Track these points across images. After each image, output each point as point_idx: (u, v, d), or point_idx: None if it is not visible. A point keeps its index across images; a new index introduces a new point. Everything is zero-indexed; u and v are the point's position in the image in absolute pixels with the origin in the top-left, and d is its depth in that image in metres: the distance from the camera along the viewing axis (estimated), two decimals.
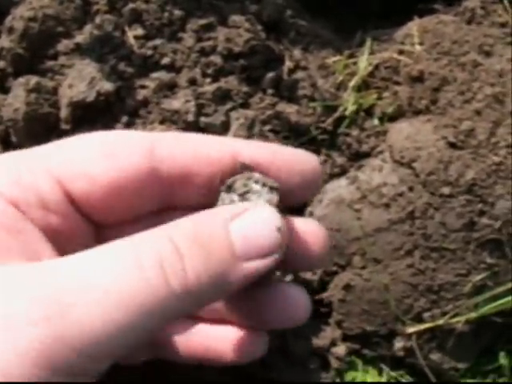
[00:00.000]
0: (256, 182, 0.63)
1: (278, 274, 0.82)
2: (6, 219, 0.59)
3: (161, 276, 0.53)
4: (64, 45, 1.12)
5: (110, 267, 0.53)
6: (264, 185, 0.63)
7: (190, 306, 0.55)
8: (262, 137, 1.06)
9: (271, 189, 0.63)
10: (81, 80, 1.06)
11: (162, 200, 0.66)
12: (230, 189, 0.64)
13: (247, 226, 0.57)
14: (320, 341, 1.06)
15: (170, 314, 0.54)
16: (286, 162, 0.67)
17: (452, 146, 1.01)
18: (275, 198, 0.63)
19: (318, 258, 0.69)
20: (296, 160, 0.68)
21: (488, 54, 1.10)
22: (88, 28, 1.13)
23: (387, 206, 1.02)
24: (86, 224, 0.65)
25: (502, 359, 1.08)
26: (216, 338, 0.72)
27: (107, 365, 0.54)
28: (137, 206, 0.65)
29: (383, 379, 1.07)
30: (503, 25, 1.15)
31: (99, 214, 0.64)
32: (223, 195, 0.64)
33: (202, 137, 0.70)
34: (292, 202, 0.69)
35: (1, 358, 0.49)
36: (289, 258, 0.65)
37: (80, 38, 1.12)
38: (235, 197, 0.63)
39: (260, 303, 0.70)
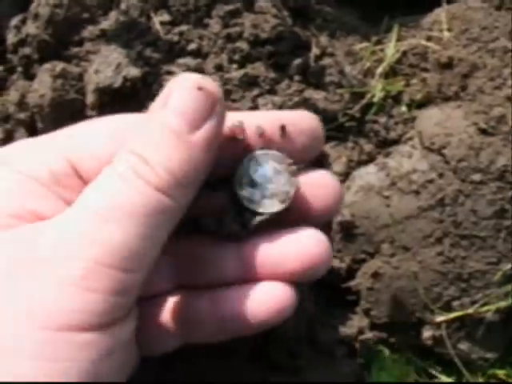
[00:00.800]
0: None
1: None
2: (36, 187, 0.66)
3: (136, 175, 0.60)
4: (89, 31, 1.12)
5: (105, 190, 0.61)
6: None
7: (177, 196, 0.60)
8: None
9: (292, 172, 0.68)
10: (107, 66, 1.06)
11: None
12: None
13: (173, 104, 0.62)
14: (347, 329, 1.05)
15: (165, 209, 0.60)
16: (298, 131, 0.70)
17: (483, 132, 1.00)
18: (295, 180, 0.68)
19: (328, 207, 0.72)
20: (298, 120, 0.70)
21: None
22: (113, 14, 1.12)
23: (417, 192, 1.01)
24: None
25: None
26: (243, 298, 0.71)
27: (141, 276, 0.61)
28: None
29: (411, 368, 1.06)
30: None
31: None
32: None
33: None
34: (301, 161, 0.72)
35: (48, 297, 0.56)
36: (300, 208, 0.71)
37: (105, 24, 1.11)
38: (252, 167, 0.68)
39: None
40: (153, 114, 0.63)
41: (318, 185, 0.71)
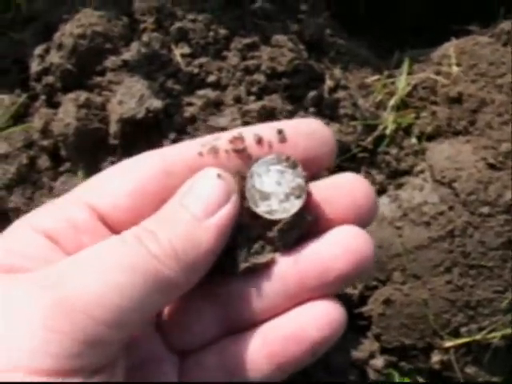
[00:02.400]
0: (273, 163, 0.66)
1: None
2: (36, 250, 0.65)
3: (138, 241, 0.60)
4: (111, 61, 1.16)
5: (100, 248, 0.61)
6: (283, 162, 0.66)
7: (176, 271, 0.60)
8: None
9: (292, 164, 0.66)
10: (130, 97, 1.09)
11: None
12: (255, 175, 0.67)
13: (195, 191, 0.63)
14: (359, 353, 1.10)
15: (159, 278, 0.59)
16: (298, 134, 0.68)
17: (491, 166, 1.04)
18: (299, 170, 0.65)
19: (358, 212, 0.68)
20: (297, 124, 0.69)
21: None
22: (135, 45, 1.16)
23: (428, 224, 1.05)
24: None
25: None
26: (295, 325, 0.68)
27: (122, 333, 0.59)
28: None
29: None
30: None
31: (128, 226, 0.66)
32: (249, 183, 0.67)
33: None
34: (318, 169, 0.69)
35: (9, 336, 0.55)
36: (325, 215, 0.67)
37: (127, 55, 1.15)
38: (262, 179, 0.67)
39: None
40: (174, 197, 0.64)
41: (344, 185, 0.67)
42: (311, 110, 1.15)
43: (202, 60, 1.15)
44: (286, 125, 0.68)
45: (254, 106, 1.12)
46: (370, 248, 0.66)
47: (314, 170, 0.67)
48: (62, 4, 1.22)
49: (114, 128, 1.10)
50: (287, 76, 1.14)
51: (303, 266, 0.67)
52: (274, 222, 0.67)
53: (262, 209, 0.66)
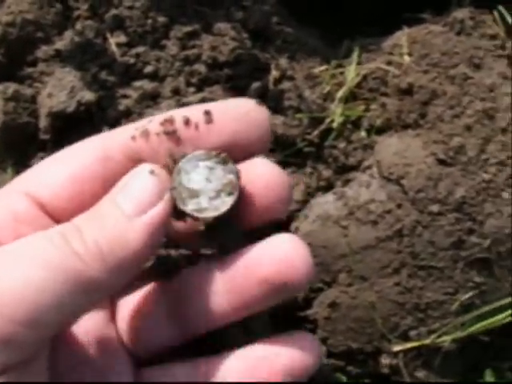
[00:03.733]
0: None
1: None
2: None
3: (63, 239, 0.58)
4: (43, 51, 1.09)
5: (23, 244, 0.59)
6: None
7: (100, 271, 0.58)
8: None
9: (222, 160, 0.64)
10: (61, 89, 1.03)
11: None
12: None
13: (128, 188, 0.61)
14: None
15: (81, 278, 0.57)
16: (226, 115, 0.66)
17: (441, 162, 0.99)
18: (230, 166, 0.64)
19: (275, 204, 0.67)
20: (227, 105, 0.67)
21: (478, 67, 1.08)
22: (68, 34, 1.09)
23: (375, 223, 1.00)
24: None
25: (488, 377, 1.07)
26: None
27: (39, 332, 0.57)
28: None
29: None
30: (493, 37, 1.13)
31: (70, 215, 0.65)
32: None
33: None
34: (248, 155, 0.67)
35: None
36: (246, 208, 0.67)
37: (60, 44, 1.09)
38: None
39: None
40: (109, 193, 0.63)
41: (262, 177, 0.66)
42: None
43: (139, 49, 1.08)
44: (215, 106, 0.66)
45: (194, 98, 1.06)
46: (301, 258, 0.65)
47: (244, 155, 0.66)
48: None
49: (43, 122, 1.04)
50: (229, 66, 1.08)
51: (228, 269, 0.68)
52: (204, 221, 0.65)
53: (190, 207, 0.63)
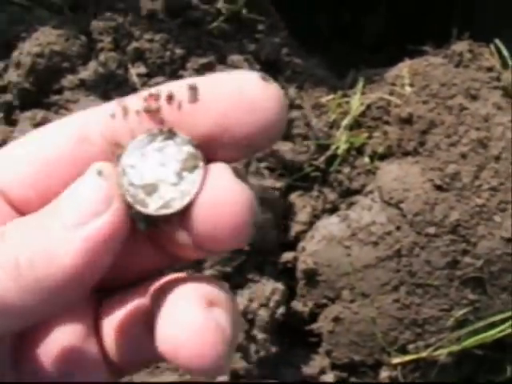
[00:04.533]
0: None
1: None
2: None
3: None
4: (69, 80, 1.17)
5: None
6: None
7: (14, 291, 0.46)
8: (258, 174, 1.11)
9: (168, 134, 0.47)
10: None
11: None
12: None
13: (75, 193, 0.47)
14: (309, 369, 1.12)
15: (14, 296, 0.46)
16: (215, 92, 0.46)
17: (438, 188, 1.07)
18: (181, 136, 0.46)
19: (227, 233, 0.45)
20: (219, 81, 0.47)
21: (474, 98, 1.16)
22: (93, 65, 1.18)
23: (376, 243, 1.07)
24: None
25: None
26: None
27: None
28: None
29: None
30: (490, 69, 1.20)
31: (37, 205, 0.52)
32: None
33: None
34: (244, 147, 0.46)
35: None
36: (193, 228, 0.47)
37: (85, 74, 1.17)
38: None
39: None
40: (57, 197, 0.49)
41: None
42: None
43: (158, 79, 1.17)
44: (206, 79, 0.47)
45: None
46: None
47: (239, 148, 0.46)
48: (21, 22, 1.23)
49: None
50: None
51: None
52: (178, 214, 0.47)
53: (153, 207, 0.47)
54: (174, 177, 0.47)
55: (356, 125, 1.20)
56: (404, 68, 1.23)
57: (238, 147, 0.46)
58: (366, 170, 1.17)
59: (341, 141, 1.17)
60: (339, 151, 1.17)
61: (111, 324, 0.57)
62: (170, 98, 0.47)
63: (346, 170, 1.18)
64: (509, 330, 1.07)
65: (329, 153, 1.17)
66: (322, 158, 1.17)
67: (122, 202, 0.46)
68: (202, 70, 1.17)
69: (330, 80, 1.28)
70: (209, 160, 0.45)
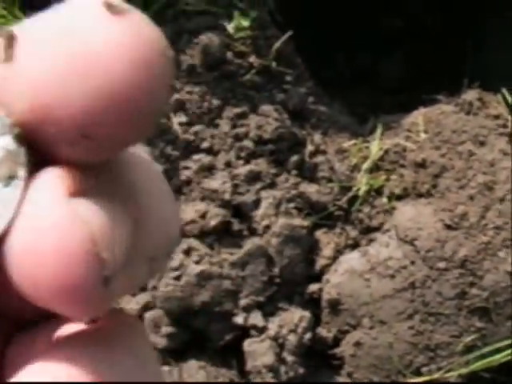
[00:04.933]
0: None
1: None
2: None
3: None
4: None
5: None
6: None
7: None
8: (288, 214, 1.24)
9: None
10: None
11: None
12: None
13: None
14: None
15: None
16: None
17: (448, 227, 1.19)
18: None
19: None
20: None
21: (482, 144, 1.28)
22: None
23: (392, 276, 1.20)
24: None
25: None
26: None
27: None
28: None
29: None
30: (497, 117, 1.33)
31: None
32: None
33: None
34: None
35: None
36: None
37: None
38: None
39: None
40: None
41: None
42: (293, 172, 1.30)
43: (197, 128, 1.30)
44: (30, 24, 0.26)
45: (243, 169, 1.27)
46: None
47: (74, 139, 0.25)
48: None
49: None
50: (272, 142, 1.30)
51: None
52: None
53: None
54: None
55: (375, 168, 1.33)
56: (419, 116, 1.36)
57: (75, 138, 0.25)
58: (384, 209, 1.30)
59: (361, 183, 1.30)
60: (360, 192, 1.30)
61: None
62: None
63: (366, 209, 1.31)
64: None
65: (351, 194, 1.30)
66: (345, 199, 1.30)
67: None
68: (236, 119, 1.31)
69: (351, 126, 1.42)
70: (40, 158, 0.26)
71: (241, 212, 1.25)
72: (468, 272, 1.18)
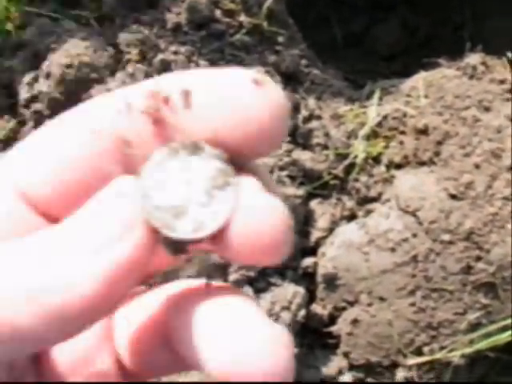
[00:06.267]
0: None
1: None
2: None
3: None
4: (97, 90, 1.22)
5: None
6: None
7: (26, 315, 0.40)
8: (280, 182, 1.16)
9: (192, 148, 0.40)
10: None
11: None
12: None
13: (95, 212, 0.41)
14: (328, 369, 1.17)
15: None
16: (209, 98, 0.40)
17: (452, 197, 1.11)
18: (207, 150, 0.40)
19: (266, 253, 0.40)
20: (222, 88, 0.40)
21: (487, 110, 1.20)
22: (120, 75, 1.22)
23: (393, 249, 1.12)
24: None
25: None
26: None
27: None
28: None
29: None
30: (502, 81, 1.25)
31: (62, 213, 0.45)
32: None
33: None
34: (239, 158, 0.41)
35: None
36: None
37: (112, 84, 1.22)
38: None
39: None
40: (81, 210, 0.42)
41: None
42: (286, 138, 1.21)
43: None
44: (199, 81, 0.40)
45: None
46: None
47: (235, 159, 0.40)
48: (50, 33, 1.28)
49: None
50: None
51: None
52: (211, 237, 0.40)
53: (182, 230, 0.40)
54: (203, 196, 0.40)
55: (373, 135, 1.25)
56: (419, 80, 1.28)
57: (233, 157, 0.40)
58: (382, 178, 1.22)
59: (358, 150, 1.22)
60: (357, 160, 1.22)
61: (124, 333, 0.51)
62: (166, 100, 0.41)
63: (364, 178, 1.22)
64: None
65: (347, 162, 1.22)
66: (341, 167, 1.22)
67: (146, 226, 0.39)
68: None
69: (347, 91, 1.33)
70: None
71: None
72: (474, 245, 1.10)
